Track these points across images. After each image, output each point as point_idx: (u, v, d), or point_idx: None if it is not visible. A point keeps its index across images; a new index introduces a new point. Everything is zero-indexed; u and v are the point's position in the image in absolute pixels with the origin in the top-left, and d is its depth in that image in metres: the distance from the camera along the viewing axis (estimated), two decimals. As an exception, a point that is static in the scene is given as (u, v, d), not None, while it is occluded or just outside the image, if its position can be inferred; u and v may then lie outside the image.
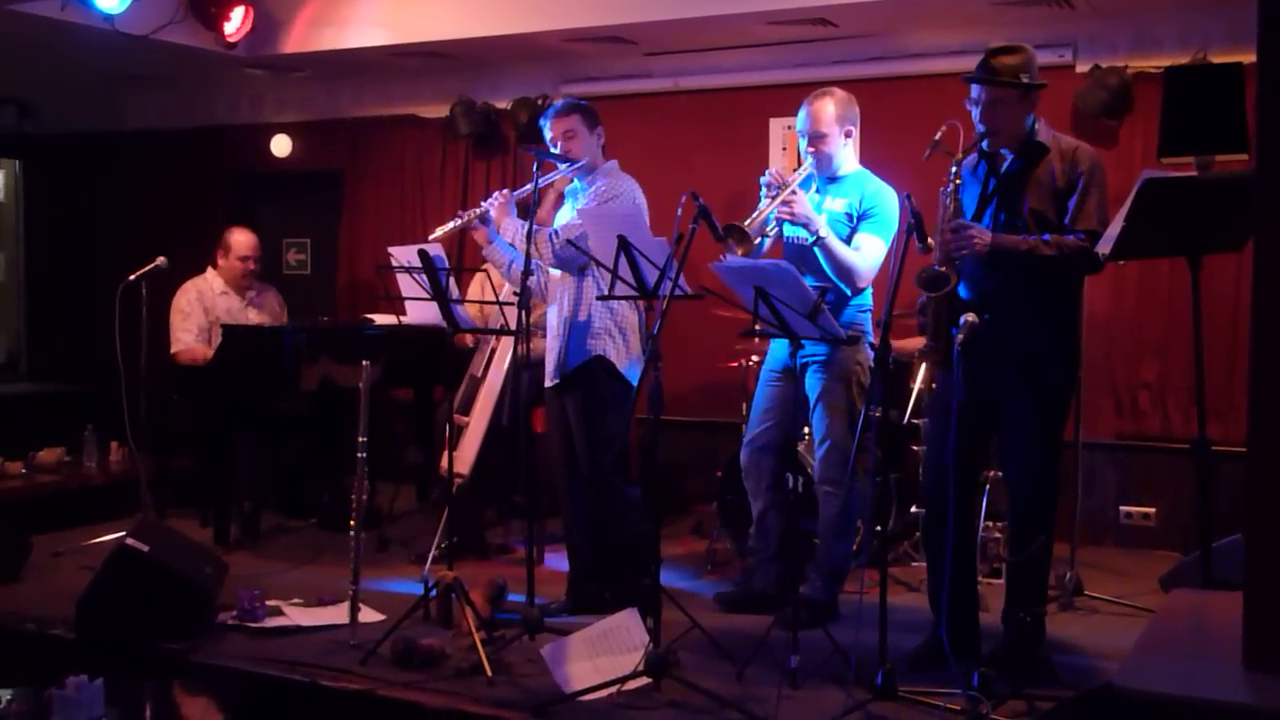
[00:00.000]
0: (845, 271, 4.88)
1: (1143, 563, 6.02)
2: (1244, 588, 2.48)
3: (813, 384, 4.99)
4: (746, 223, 4.81)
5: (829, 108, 4.99)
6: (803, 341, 4.47)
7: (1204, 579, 3.87)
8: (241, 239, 7.14)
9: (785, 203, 4.85)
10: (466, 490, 5.99)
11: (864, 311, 5.05)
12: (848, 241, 4.93)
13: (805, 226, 4.86)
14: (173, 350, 6.88)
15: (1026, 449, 4.27)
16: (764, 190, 4.92)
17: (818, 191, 5.08)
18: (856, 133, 5.11)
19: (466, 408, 6.20)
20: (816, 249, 4.86)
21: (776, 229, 5.01)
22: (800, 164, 5.12)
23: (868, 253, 4.92)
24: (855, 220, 4.97)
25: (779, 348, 5.12)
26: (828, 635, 4.45)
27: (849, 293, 4.94)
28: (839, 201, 5.01)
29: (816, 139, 5.01)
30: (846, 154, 5.08)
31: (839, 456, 4.96)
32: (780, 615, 4.62)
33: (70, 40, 7.03)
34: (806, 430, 5.32)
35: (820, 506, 5.06)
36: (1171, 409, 6.38)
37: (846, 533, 5.10)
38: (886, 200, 4.96)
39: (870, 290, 5.04)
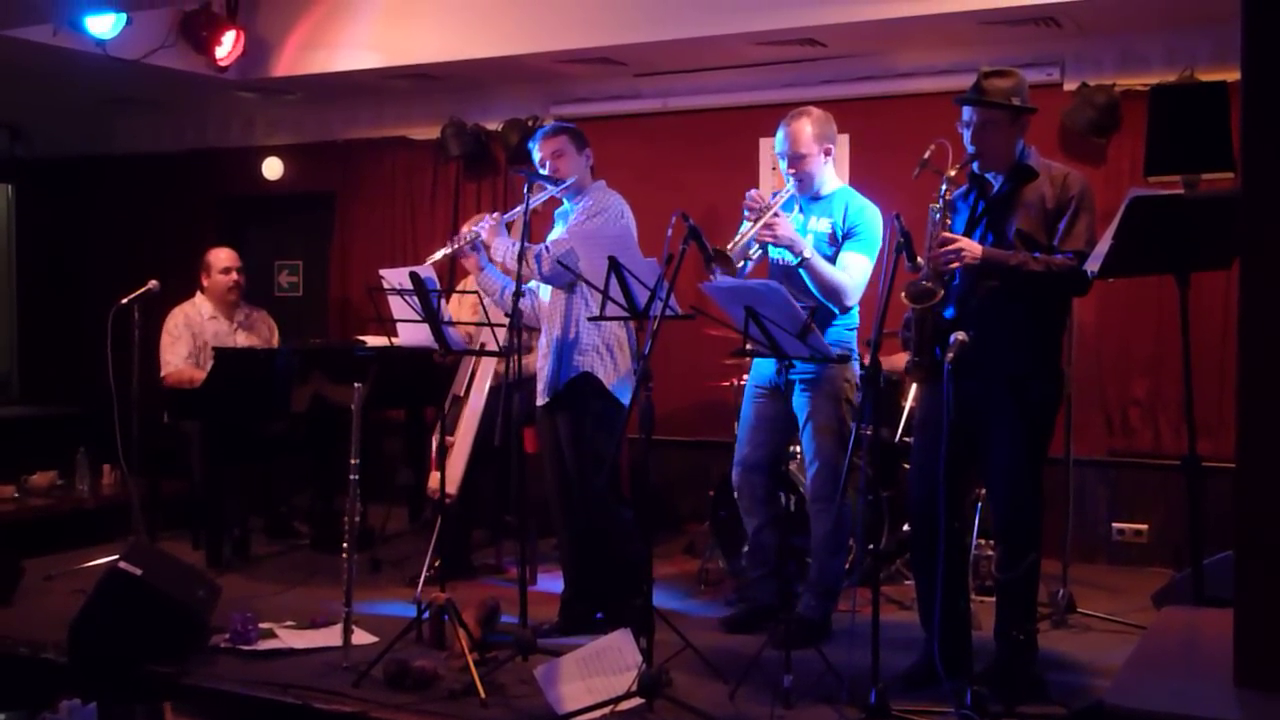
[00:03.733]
0: (832, 291, 4.87)
1: (1134, 579, 6.02)
2: (1235, 605, 2.49)
3: (801, 403, 4.97)
4: (729, 246, 4.78)
5: (807, 128, 4.96)
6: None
7: (1196, 596, 3.87)
8: (219, 253, 7.13)
9: (768, 226, 4.81)
10: (454, 510, 5.98)
11: (851, 330, 5.04)
12: (833, 261, 4.92)
13: (789, 249, 4.84)
14: (162, 374, 6.87)
15: (1011, 466, 4.27)
16: (745, 213, 4.90)
17: (801, 212, 5.06)
18: (835, 150, 5.10)
19: (453, 428, 6.19)
20: (802, 270, 4.84)
21: (760, 251, 4.97)
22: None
23: (854, 271, 4.90)
24: (840, 239, 4.95)
25: (764, 364, 5.09)
26: (820, 654, 4.44)
27: (836, 312, 4.93)
28: (823, 221, 4.98)
29: (797, 160, 4.98)
30: (827, 172, 5.06)
31: (830, 474, 4.93)
32: (773, 634, 4.62)
33: (62, 65, 7.05)
34: (796, 449, 5.30)
35: (812, 525, 5.04)
36: (1162, 425, 6.39)
37: (839, 550, 5.08)
38: (870, 217, 4.95)
39: (857, 309, 5.03)
